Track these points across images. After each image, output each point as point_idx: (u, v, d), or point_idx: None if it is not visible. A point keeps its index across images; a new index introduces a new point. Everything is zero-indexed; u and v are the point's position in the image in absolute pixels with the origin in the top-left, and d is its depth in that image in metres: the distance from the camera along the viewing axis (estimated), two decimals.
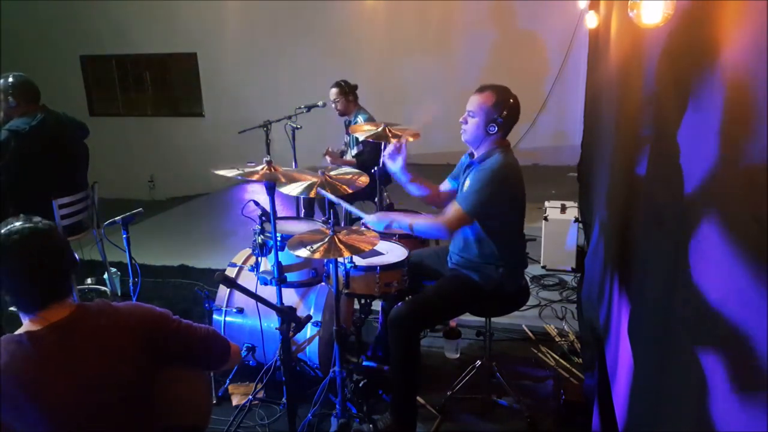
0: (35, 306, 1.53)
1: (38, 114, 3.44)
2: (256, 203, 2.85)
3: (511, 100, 2.55)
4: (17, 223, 1.52)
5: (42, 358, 1.49)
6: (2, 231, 1.51)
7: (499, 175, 2.49)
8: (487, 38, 7.77)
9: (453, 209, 2.52)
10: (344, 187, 2.40)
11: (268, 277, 2.67)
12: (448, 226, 2.53)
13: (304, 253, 2.27)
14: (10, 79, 3.42)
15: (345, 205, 2.82)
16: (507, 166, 2.52)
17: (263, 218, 2.75)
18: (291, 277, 2.73)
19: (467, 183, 2.55)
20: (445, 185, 2.89)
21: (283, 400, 2.70)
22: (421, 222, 2.64)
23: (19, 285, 1.52)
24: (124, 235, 2.56)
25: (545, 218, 4.33)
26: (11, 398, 1.45)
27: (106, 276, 4.02)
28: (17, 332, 1.52)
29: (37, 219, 1.56)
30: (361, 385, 2.78)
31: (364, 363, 2.96)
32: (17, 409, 1.46)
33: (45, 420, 1.48)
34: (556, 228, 4.34)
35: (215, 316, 3.06)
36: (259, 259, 2.79)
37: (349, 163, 4.48)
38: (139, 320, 1.66)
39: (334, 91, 4.61)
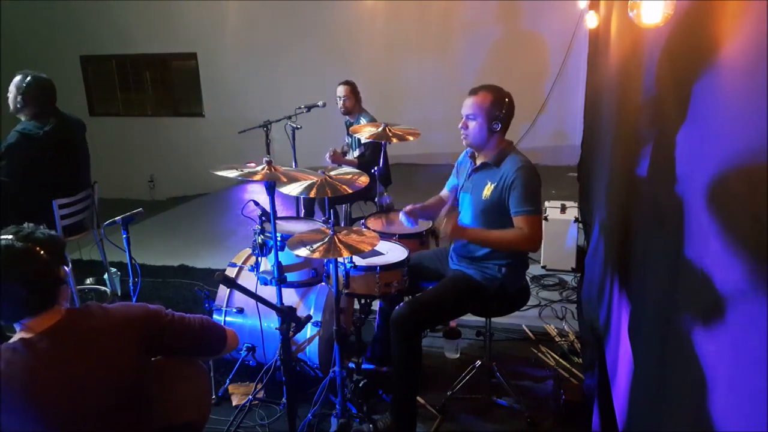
0: (10, 321, 1.53)
1: (51, 119, 3.41)
2: (256, 203, 2.85)
3: (507, 98, 2.58)
4: (8, 236, 1.50)
5: (37, 363, 1.49)
6: None
7: (535, 170, 2.55)
8: (487, 38, 7.77)
9: (525, 220, 2.48)
10: (344, 187, 2.40)
11: (268, 277, 2.67)
12: (534, 236, 2.50)
13: (304, 252, 2.27)
14: (28, 78, 3.35)
15: None
16: (531, 164, 2.57)
17: (263, 218, 2.75)
18: (291, 277, 2.73)
19: (510, 186, 2.50)
20: (445, 192, 2.94)
21: (283, 400, 2.71)
22: (505, 237, 2.53)
23: None
24: (124, 235, 2.56)
25: (545, 218, 4.32)
26: (10, 403, 1.45)
27: (106, 276, 4.02)
28: (11, 340, 1.53)
29: (28, 231, 1.53)
30: (361, 385, 2.78)
31: (364, 365, 2.96)
32: (16, 413, 1.46)
33: (44, 423, 1.48)
34: (556, 228, 4.34)
35: (215, 316, 3.06)
36: (259, 259, 2.79)
37: (351, 163, 4.47)
38: (132, 320, 1.66)
39: (344, 88, 4.58)
